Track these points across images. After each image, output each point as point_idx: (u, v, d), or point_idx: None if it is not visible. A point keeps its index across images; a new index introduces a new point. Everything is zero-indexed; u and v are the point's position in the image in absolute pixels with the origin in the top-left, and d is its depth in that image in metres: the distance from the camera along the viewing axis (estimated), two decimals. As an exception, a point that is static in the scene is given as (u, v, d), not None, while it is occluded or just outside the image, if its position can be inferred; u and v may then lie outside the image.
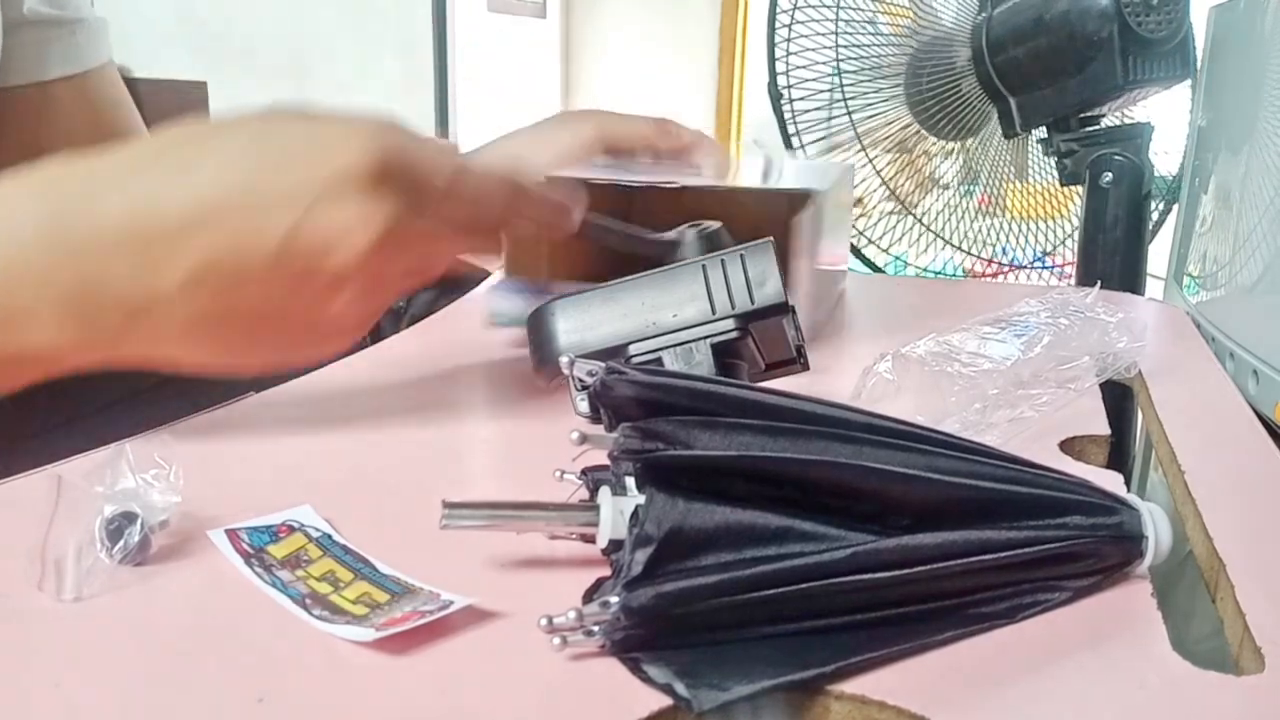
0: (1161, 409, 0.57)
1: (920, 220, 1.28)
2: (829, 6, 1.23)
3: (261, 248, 0.42)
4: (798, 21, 1.23)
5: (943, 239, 1.27)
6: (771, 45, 1.24)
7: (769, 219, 0.72)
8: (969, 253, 1.31)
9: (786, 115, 1.27)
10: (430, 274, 0.49)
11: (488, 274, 0.84)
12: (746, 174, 0.81)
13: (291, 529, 0.39)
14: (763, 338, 0.49)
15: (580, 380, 0.37)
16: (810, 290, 0.65)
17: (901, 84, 1.21)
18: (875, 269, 1.35)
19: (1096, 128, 1.13)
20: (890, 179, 1.31)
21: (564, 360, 0.39)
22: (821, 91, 1.27)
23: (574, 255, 0.73)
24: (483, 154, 0.71)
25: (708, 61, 3.99)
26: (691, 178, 0.71)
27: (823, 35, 1.24)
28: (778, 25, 1.24)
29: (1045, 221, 1.36)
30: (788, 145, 1.29)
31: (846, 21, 1.23)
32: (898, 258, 1.35)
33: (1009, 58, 1.12)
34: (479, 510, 0.36)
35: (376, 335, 0.77)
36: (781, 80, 1.26)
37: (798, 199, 0.63)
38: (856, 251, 1.33)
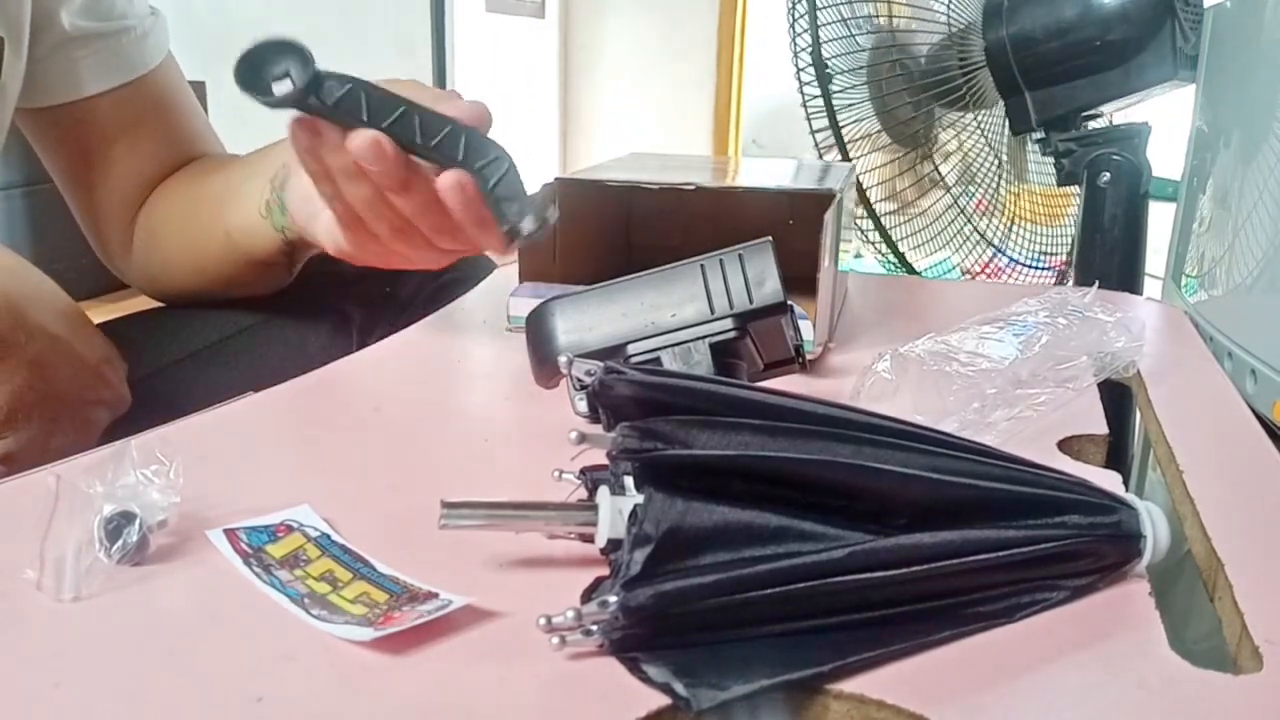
0: (1160, 408, 0.57)
1: (959, 205, 1.26)
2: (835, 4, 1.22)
3: None
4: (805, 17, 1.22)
5: (972, 220, 1.25)
6: (815, 32, 1.20)
7: (795, 220, 0.72)
8: (982, 235, 1.29)
9: (813, 110, 1.25)
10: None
11: (492, 268, 0.84)
12: (762, 176, 0.82)
13: (290, 529, 0.39)
14: (761, 337, 0.49)
15: (579, 380, 0.37)
16: (831, 290, 0.65)
17: (897, 81, 1.21)
18: (911, 270, 1.33)
19: (1095, 128, 1.13)
20: (888, 179, 1.31)
21: (563, 360, 0.39)
22: (832, 74, 1.25)
23: (587, 258, 0.73)
24: None
25: (706, 62, 3.98)
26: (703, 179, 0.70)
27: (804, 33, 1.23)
28: (798, 16, 1.22)
29: (1043, 222, 1.36)
30: (839, 142, 1.25)
31: (846, 20, 1.22)
32: (874, 258, 1.34)
33: (1041, 52, 1.10)
34: (478, 510, 0.36)
35: (366, 328, 0.77)
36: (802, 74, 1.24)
37: (822, 199, 0.63)
38: (896, 251, 1.31)
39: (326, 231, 0.59)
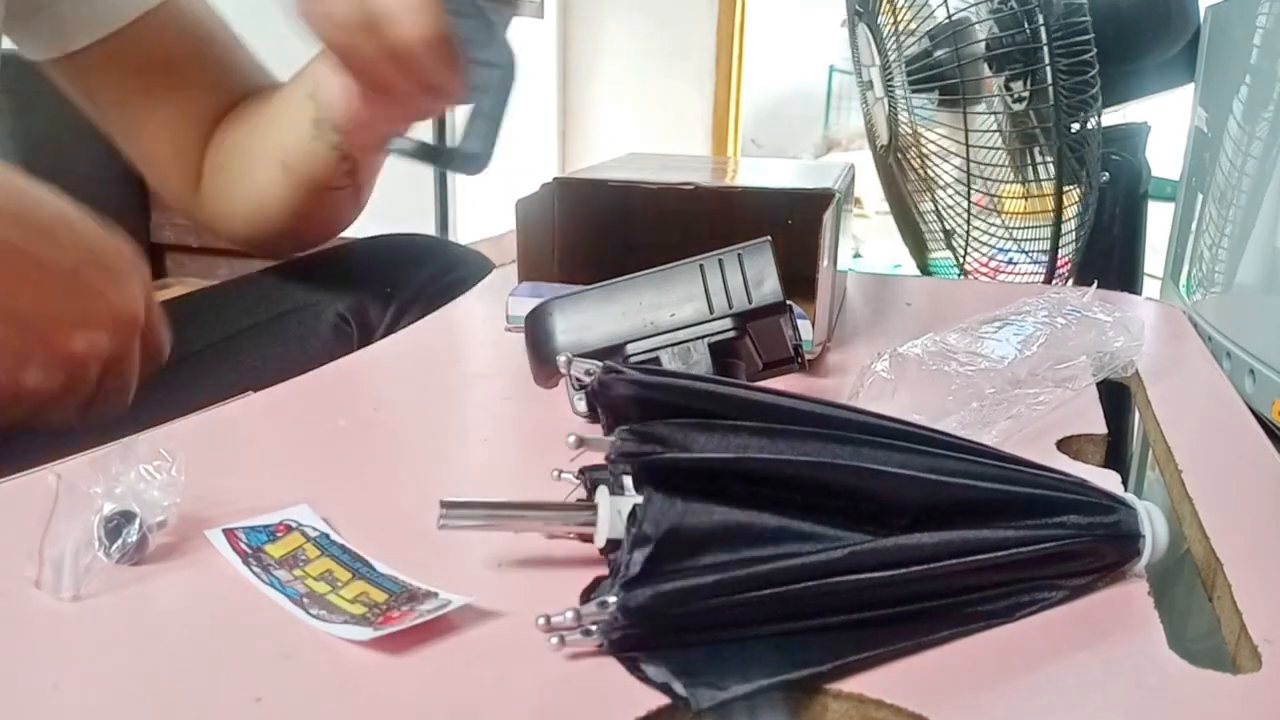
0: (1159, 408, 0.57)
1: (959, 204, 1.23)
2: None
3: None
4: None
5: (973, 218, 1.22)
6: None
7: (794, 220, 0.72)
8: (982, 235, 1.28)
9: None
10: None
11: (491, 267, 0.84)
12: (758, 175, 0.82)
13: (289, 528, 0.39)
14: (760, 337, 0.49)
15: (578, 380, 0.37)
16: (830, 290, 0.65)
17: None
18: (926, 271, 1.31)
19: (1095, 127, 1.13)
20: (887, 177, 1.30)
21: (561, 360, 0.39)
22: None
23: (587, 258, 0.73)
24: None
25: (705, 62, 3.98)
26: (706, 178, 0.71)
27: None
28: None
29: (1042, 221, 1.36)
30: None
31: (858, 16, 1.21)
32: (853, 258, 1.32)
33: (1120, 31, 1.09)
34: (477, 510, 0.36)
35: (366, 328, 0.77)
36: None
37: (822, 199, 0.63)
38: (949, 256, 1.29)
39: (342, 96, 0.63)
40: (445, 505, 0.35)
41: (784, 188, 0.76)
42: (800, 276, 0.57)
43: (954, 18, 1.09)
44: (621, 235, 0.85)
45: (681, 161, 0.85)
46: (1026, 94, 1.10)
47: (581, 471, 0.39)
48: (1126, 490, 0.39)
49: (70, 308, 0.50)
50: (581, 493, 0.39)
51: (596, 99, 4.00)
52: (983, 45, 1.07)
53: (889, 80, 1.16)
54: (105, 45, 0.70)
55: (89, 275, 0.51)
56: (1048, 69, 1.01)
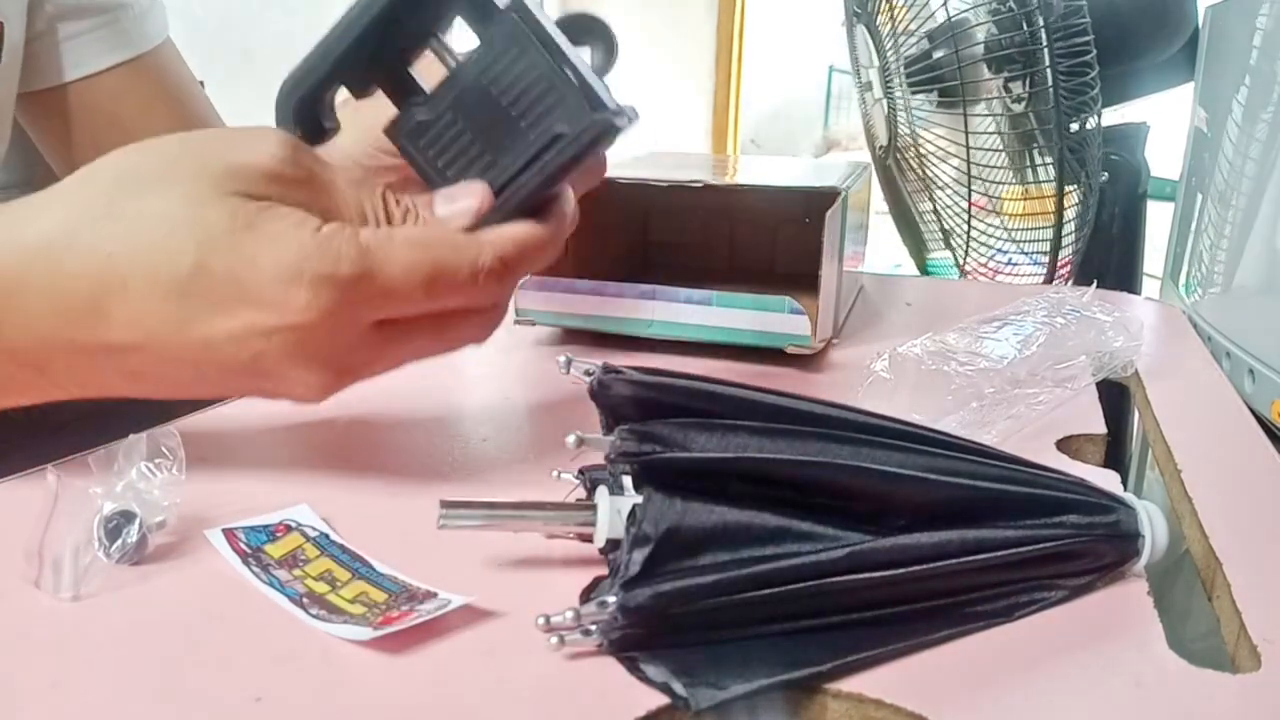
0: (1158, 408, 0.57)
1: (959, 205, 1.23)
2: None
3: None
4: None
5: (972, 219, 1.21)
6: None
7: (796, 217, 0.72)
8: (982, 235, 1.28)
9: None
10: None
11: None
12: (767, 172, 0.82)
13: (289, 528, 0.39)
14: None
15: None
16: (836, 288, 0.65)
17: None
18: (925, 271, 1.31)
19: (1094, 127, 1.13)
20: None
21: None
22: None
23: (600, 252, 0.73)
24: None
25: (705, 62, 3.98)
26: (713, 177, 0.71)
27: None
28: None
29: (1042, 222, 1.36)
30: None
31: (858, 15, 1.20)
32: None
33: (1123, 28, 1.08)
34: (476, 510, 0.36)
35: None
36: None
37: (826, 197, 0.63)
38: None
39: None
40: (445, 505, 0.35)
41: (798, 185, 0.76)
42: (809, 274, 0.58)
43: (953, 19, 1.09)
44: (639, 232, 0.85)
45: (701, 160, 0.85)
46: (1026, 95, 1.10)
47: (581, 471, 0.39)
48: (1126, 490, 0.39)
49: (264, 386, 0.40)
50: (581, 493, 0.39)
51: (596, 99, 4.00)
52: (981, 46, 1.07)
53: (888, 81, 1.16)
54: (91, 83, 0.70)
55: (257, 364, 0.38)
56: (1048, 70, 1.01)
